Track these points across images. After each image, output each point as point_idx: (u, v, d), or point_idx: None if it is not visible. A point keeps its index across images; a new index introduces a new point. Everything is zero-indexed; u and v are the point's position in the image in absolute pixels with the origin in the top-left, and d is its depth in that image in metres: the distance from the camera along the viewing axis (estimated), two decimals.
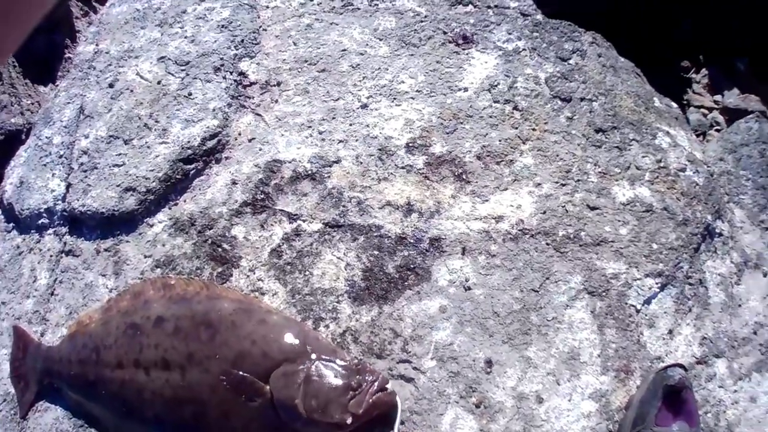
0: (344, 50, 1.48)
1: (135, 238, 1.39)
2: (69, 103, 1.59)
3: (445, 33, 1.49)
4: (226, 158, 1.41)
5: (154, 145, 1.42)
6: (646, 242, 1.32)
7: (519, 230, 1.30)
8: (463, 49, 1.47)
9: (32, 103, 1.76)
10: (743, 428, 1.28)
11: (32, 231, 1.52)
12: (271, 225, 1.32)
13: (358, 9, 1.55)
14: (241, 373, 1.07)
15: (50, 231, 1.49)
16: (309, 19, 1.53)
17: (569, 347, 1.22)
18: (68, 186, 1.46)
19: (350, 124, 1.40)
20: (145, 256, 1.36)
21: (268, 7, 1.58)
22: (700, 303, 1.33)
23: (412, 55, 1.47)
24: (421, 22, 1.51)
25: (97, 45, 1.62)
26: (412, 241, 1.28)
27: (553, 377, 1.20)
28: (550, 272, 1.27)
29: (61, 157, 1.53)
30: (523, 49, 1.48)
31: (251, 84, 1.47)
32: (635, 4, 2.01)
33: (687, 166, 1.44)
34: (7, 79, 1.73)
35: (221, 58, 1.50)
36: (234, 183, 1.37)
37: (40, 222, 1.51)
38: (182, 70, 1.50)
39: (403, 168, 1.35)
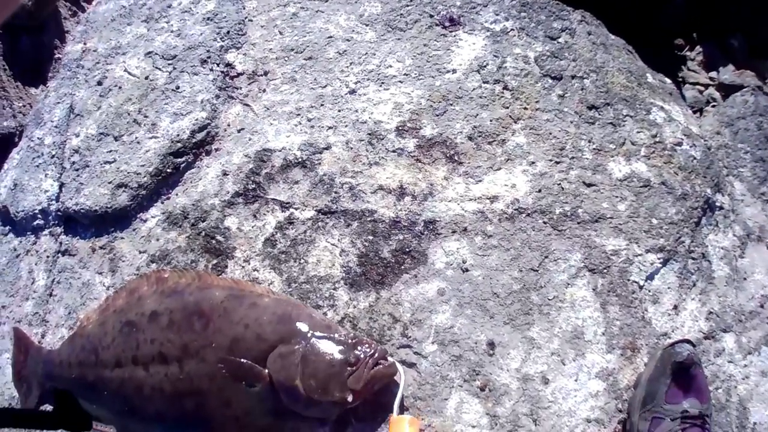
0: (330, 37, 1.47)
1: (129, 234, 1.38)
2: (59, 102, 1.58)
3: (431, 16, 1.48)
4: (216, 150, 1.40)
5: (144, 140, 1.41)
6: (646, 217, 1.30)
7: (515, 209, 1.28)
8: (451, 32, 1.45)
9: (24, 105, 1.76)
10: (756, 403, 1.26)
11: (28, 233, 1.52)
12: (264, 214, 1.31)
13: None
14: (238, 359, 1.06)
15: (46, 232, 1.48)
16: (294, 7, 1.52)
17: (572, 326, 1.20)
18: (61, 186, 1.46)
19: (339, 110, 1.39)
20: (140, 252, 1.35)
21: None
22: (705, 277, 1.31)
23: (398, 39, 1.46)
24: (407, 6, 1.49)
25: (84, 44, 1.62)
26: (406, 224, 1.27)
27: (558, 357, 1.18)
28: (549, 251, 1.25)
29: (53, 157, 1.52)
30: (511, 30, 1.47)
31: (238, 75, 1.46)
32: None
33: (683, 140, 1.42)
34: None
35: (208, 51, 1.49)
36: (225, 174, 1.36)
37: (35, 223, 1.50)
38: (169, 64, 1.49)
39: (393, 152, 1.34)
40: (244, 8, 1.54)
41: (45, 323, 1.40)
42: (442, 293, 1.22)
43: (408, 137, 1.35)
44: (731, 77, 1.95)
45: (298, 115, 1.39)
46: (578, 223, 1.28)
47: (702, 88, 1.99)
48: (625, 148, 1.37)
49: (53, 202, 1.46)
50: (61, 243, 1.44)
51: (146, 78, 1.49)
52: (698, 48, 2.04)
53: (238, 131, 1.40)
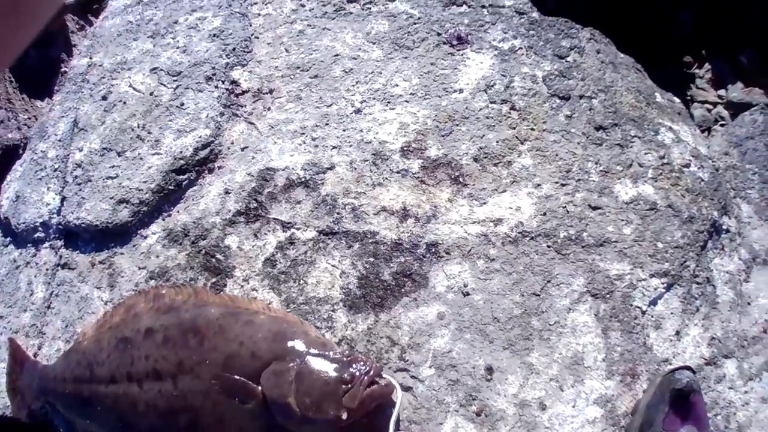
0: (337, 55, 1.46)
1: (129, 250, 1.37)
2: (63, 116, 1.58)
3: (439, 34, 1.47)
4: (219, 168, 1.39)
5: (146, 157, 1.41)
6: (651, 241, 1.29)
7: (518, 233, 1.26)
8: (458, 50, 1.44)
9: (29, 118, 1.76)
10: (754, 429, 1.24)
11: (29, 245, 1.52)
12: (265, 234, 1.30)
13: (351, 13, 1.53)
14: (231, 375, 1.05)
15: (46, 244, 1.49)
16: (301, 25, 1.52)
17: (572, 352, 1.19)
18: (63, 199, 1.46)
19: (344, 130, 1.38)
20: (140, 268, 1.35)
21: (259, 14, 1.57)
22: (708, 302, 1.29)
23: (405, 57, 1.45)
24: (415, 24, 1.49)
25: (90, 58, 1.62)
26: (408, 246, 1.26)
27: (557, 383, 1.16)
28: (552, 275, 1.24)
29: (56, 170, 1.52)
30: (519, 48, 1.46)
31: (243, 92, 1.46)
32: None
33: (691, 161, 1.40)
34: (4, 95, 1.74)
35: (213, 68, 1.48)
36: (227, 192, 1.35)
37: (36, 236, 1.50)
38: (174, 81, 1.49)
39: (398, 173, 1.33)
40: (250, 25, 1.54)
41: (42, 335, 1.40)
42: (442, 317, 1.20)
43: (413, 158, 1.34)
44: (740, 95, 1.92)
45: (303, 134, 1.39)
46: (582, 247, 1.26)
47: (710, 107, 1.96)
48: (632, 170, 1.35)
49: (54, 215, 1.46)
50: (61, 256, 1.44)
51: (151, 94, 1.49)
52: (707, 65, 2.02)
53: (242, 149, 1.40)
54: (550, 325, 1.20)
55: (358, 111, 1.40)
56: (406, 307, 1.22)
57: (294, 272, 1.26)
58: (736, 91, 1.93)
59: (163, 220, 1.37)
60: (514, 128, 1.36)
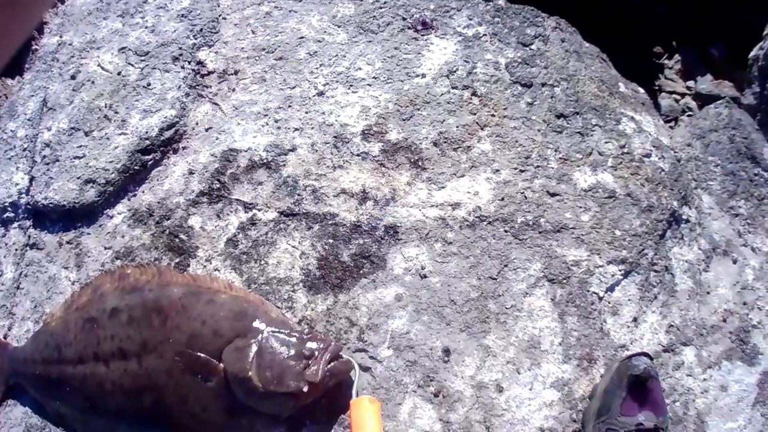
0: (302, 38, 1.47)
1: (95, 229, 1.38)
2: (33, 95, 1.58)
3: (404, 19, 1.47)
4: (184, 148, 1.40)
5: (113, 137, 1.42)
6: (609, 229, 1.30)
7: (476, 217, 1.28)
8: (422, 35, 1.45)
9: (0, 97, 1.76)
10: (714, 417, 1.26)
11: None
12: (227, 214, 1.32)
13: None
14: (193, 352, 1.07)
15: (15, 225, 1.49)
16: (268, 6, 1.52)
17: (529, 335, 1.21)
18: (31, 179, 1.46)
19: (306, 112, 1.39)
20: (105, 248, 1.36)
21: None
22: (667, 290, 1.31)
23: (370, 41, 1.46)
24: (380, 8, 1.49)
25: (60, 36, 1.62)
26: (367, 229, 1.27)
27: (513, 366, 1.18)
28: (509, 259, 1.26)
29: (25, 150, 1.52)
30: (484, 35, 1.47)
31: (209, 73, 1.46)
32: None
33: (652, 151, 1.42)
34: None
35: (180, 48, 1.49)
36: (191, 173, 1.36)
37: (5, 216, 1.50)
38: (142, 61, 1.49)
39: (358, 155, 1.34)
40: (218, 5, 1.54)
41: (12, 315, 1.41)
42: (400, 299, 1.22)
43: (373, 141, 1.35)
44: (708, 87, 1.94)
45: (266, 115, 1.39)
46: (540, 232, 1.28)
47: (678, 97, 1.98)
48: (592, 158, 1.37)
49: (23, 195, 1.47)
50: (29, 236, 1.44)
51: (119, 74, 1.49)
52: (677, 56, 2.03)
53: (206, 130, 1.41)
54: (506, 308, 1.22)
55: (321, 93, 1.41)
56: (365, 288, 1.23)
57: (255, 253, 1.28)
58: (706, 83, 1.95)
59: (129, 200, 1.38)
60: (475, 114, 1.38)
